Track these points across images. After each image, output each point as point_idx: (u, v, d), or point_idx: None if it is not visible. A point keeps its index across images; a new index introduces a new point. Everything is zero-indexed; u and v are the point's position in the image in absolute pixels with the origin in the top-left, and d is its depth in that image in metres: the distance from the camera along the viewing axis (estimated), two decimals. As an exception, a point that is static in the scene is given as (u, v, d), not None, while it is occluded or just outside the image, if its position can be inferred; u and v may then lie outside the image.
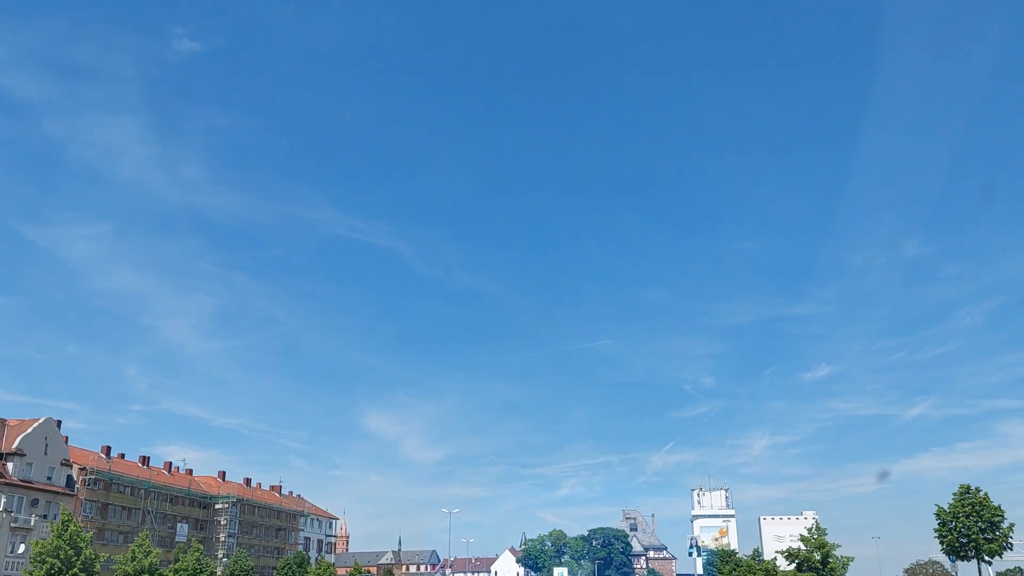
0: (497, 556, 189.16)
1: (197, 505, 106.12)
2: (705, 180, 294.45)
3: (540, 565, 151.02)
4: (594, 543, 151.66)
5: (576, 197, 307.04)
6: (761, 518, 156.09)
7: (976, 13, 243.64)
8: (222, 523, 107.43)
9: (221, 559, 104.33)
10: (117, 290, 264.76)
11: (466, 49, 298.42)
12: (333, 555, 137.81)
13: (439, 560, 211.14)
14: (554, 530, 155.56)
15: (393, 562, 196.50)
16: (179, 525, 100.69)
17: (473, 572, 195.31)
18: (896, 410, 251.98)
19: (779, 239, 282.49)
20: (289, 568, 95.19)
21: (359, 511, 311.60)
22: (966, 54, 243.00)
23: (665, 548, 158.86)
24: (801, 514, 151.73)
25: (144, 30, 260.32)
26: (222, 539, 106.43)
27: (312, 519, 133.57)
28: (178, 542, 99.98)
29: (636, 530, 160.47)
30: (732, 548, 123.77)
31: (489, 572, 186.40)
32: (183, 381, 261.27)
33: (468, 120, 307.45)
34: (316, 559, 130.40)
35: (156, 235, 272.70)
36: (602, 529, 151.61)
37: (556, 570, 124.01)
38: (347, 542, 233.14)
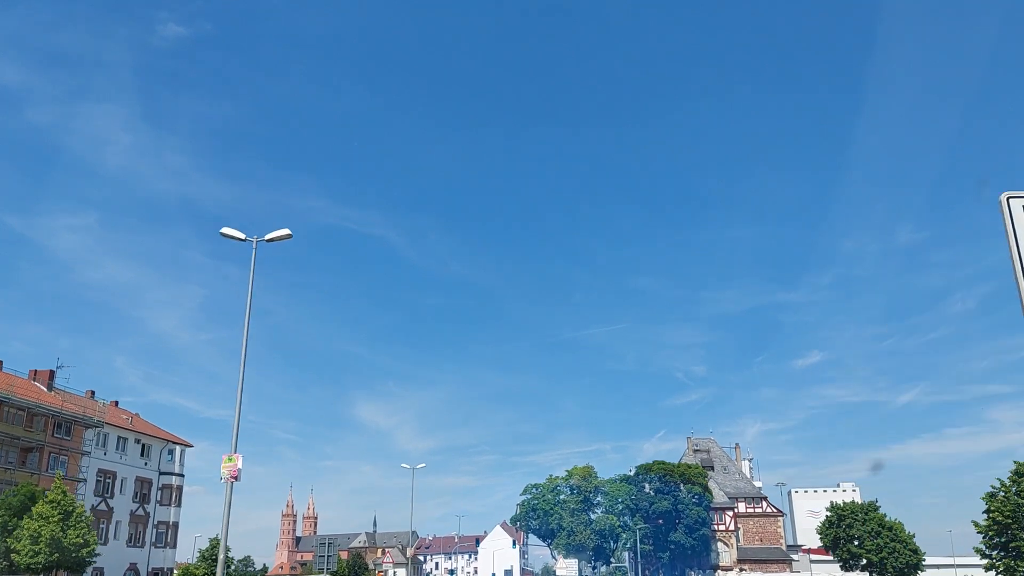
0: (486, 533, 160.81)
1: None
2: (698, 168, 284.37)
3: (556, 526, 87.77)
4: (648, 489, 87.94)
5: (569, 186, 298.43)
6: (792, 491, 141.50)
7: (975, 3, 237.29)
8: None
9: None
10: (107, 281, 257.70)
11: (459, 37, 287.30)
12: (173, 507, 75.78)
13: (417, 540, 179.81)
14: (577, 466, 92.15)
15: (366, 544, 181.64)
16: None
17: (452, 552, 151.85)
18: (886, 396, 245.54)
19: (772, 227, 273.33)
20: None
21: (352, 502, 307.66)
22: (963, 42, 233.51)
23: (764, 498, 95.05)
24: (838, 485, 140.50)
25: (128, 14, 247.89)
26: None
27: (119, 439, 71.16)
28: None
29: (712, 469, 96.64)
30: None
31: (477, 549, 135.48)
32: (173, 373, 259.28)
33: (460, 109, 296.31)
34: (137, 512, 68.48)
35: (145, 225, 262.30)
36: (661, 464, 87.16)
37: None
38: (315, 524, 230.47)
